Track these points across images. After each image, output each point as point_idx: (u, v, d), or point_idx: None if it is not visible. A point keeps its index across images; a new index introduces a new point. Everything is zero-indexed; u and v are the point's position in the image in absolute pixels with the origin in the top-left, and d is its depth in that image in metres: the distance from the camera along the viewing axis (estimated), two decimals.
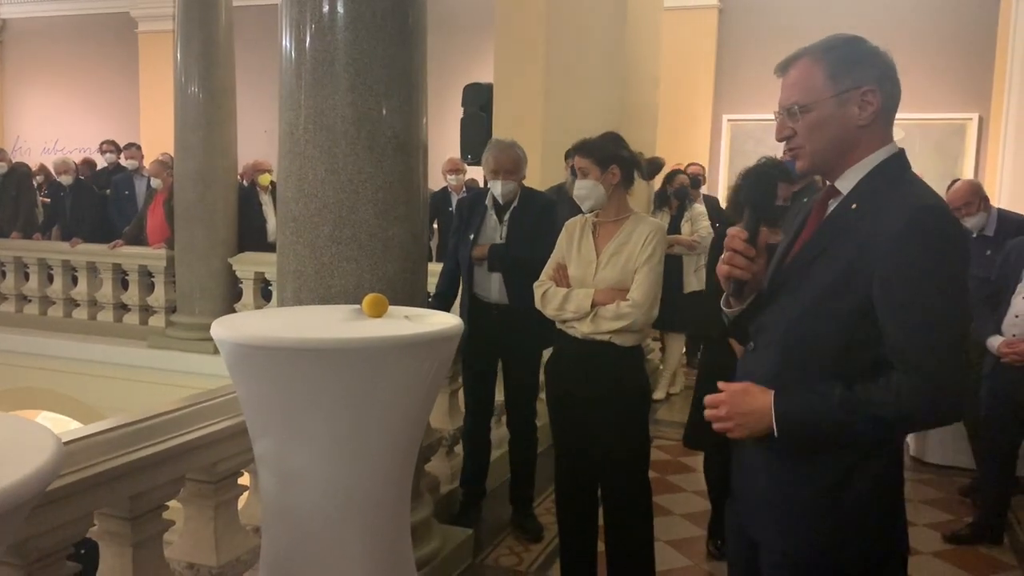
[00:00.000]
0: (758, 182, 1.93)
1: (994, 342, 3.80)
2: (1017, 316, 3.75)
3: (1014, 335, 3.74)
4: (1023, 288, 3.76)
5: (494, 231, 3.82)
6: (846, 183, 1.68)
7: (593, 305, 2.95)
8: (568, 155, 5.28)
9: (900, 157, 1.68)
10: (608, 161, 3.00)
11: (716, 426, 1.71)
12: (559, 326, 3.10)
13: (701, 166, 7.95)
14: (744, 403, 1.67)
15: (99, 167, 8.97)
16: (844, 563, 1.67)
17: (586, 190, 3.02)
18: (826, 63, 1.66)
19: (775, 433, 1.63)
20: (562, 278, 3.07)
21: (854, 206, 1.64)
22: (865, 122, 1.65)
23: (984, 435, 4.03)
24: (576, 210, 3.24)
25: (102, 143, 8.83)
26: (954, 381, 1.55)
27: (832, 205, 1.71)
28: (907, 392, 1.53)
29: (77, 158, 9.02)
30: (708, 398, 1.72)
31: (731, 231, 1.75)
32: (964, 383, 1.58)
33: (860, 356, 1.60)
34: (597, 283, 2.99)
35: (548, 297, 3.06)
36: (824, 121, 1.65)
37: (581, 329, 2.98)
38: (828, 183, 1.75)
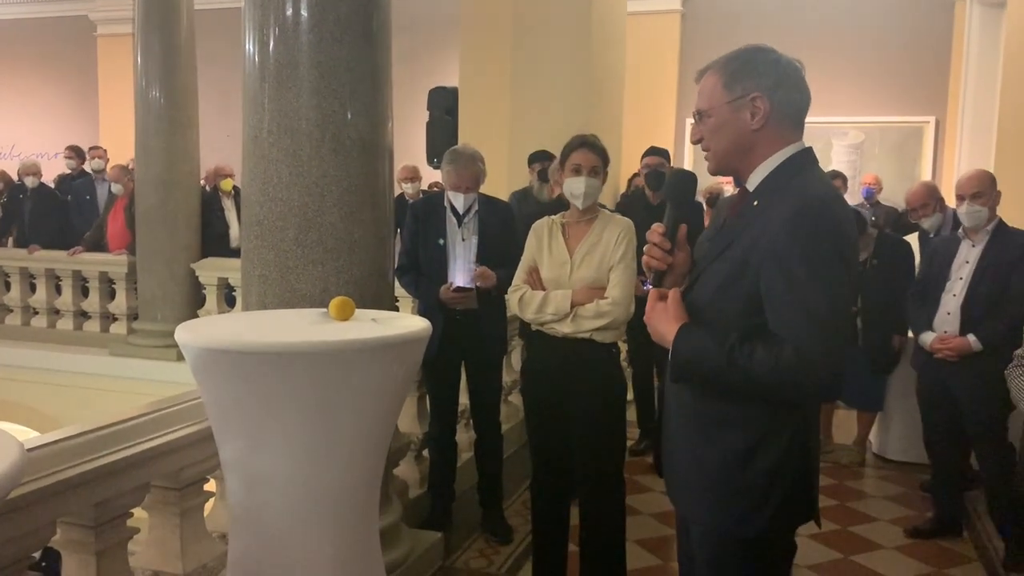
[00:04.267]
0: (680, 181, 1.96)
1: (926, 338, 3.90)
2: (949, 313, 3.85)
3: (946, 331, 3.84)
4: (952, 286, 3.86)
5: (455, 235, 3.83)
6: (752, 183, 1.83)
7: (572, 305, 2.96)
8: (533, 160, 5.30)
9: (803, 154, 1.81)
10: (607, 161, 3.06)
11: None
12: (535, 328, 3.11)
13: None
14: (657, 321, 1.81)
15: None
16: (756, 531, 1.79)
17: (594, 188, 3.03)
18: (723, 74, 1.81)
19: (671, 351, 1.76)
20: (536, 281, 3.08)
21: (756, 203, 1.79)
22: (757, 126, 1.78)
23: (925, 428, 4.13)
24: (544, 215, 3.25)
25: (66, 148, 8.68)
26: (826, 365, 1.65)
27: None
28: (784, 363, 1.64)
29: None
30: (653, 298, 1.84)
31: (654, 226, 1.88)
32: (838, 366, 1.67)
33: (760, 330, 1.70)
34: (573, 283, 3.00)
35: (525, 301, 3.06)
36: (721, 126, 1.81)
37: (561, 330, 3.00)
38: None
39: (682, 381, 1.81)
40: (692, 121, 1.93)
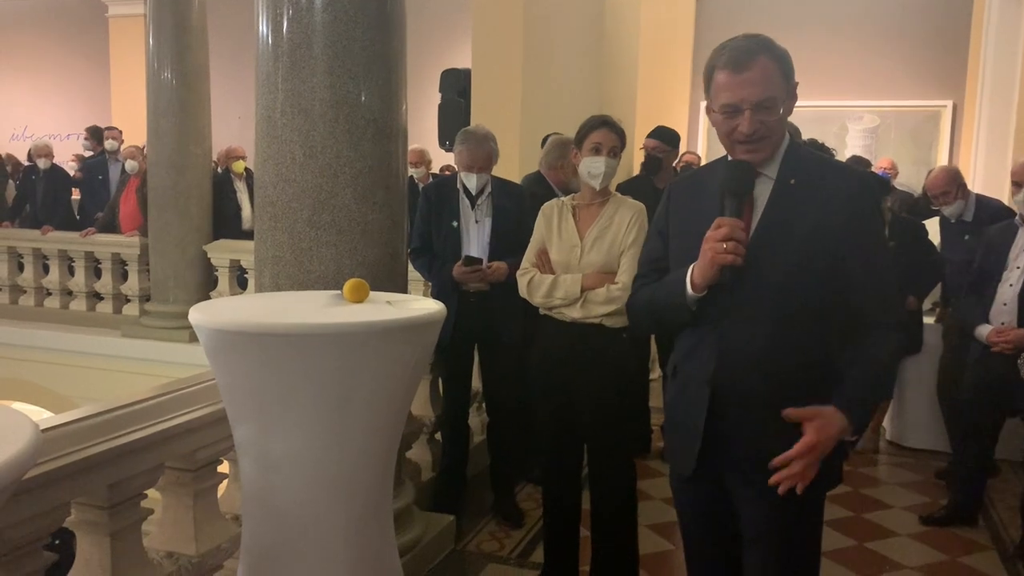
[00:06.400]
0: (737, 173, 1.90)
1: (983, 331, 3.77)
2: (1005, 304, 3.72)
3: (1003, 323, 3.72)
4: (1010, 275, 3.74)
5: (469, 217, 3.81)
6: (771, 168, 1.91)
7: (582, 290, 2.93)
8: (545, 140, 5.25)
9: (793, 140, 1.97)
10: (625, 143, 3.04)
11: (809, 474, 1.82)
12: (544, 312, 3.08)
13: (696, 155, 7.88)
14: (832, 436, 1.82)
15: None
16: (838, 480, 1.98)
17: (612, 168, 2.99)
18: (780, 62, 1.85)
19: (852, 428, 1.85)
20: (545, 264, 3.05)
21: (792, 181, 1.88)
22: (791, 113, 1.91)
23: (967, 420, 4.03)
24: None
25: (86, 130, 8.68)
26: (904, 320, 2.03)
27: (758, 187, 1.91)
28: (893, 347, 1.91)
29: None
30: (780, 461, 1.81)
31: (725, 220, 1.83)
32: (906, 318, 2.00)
33: (837, 304, 1.88)
34: (583, 267, 2.97)
35: (535, 285, 3.03)
36: (783, 115, 1.88)
37: (571, 315, 2.97)
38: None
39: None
40: (710, 109, 1.91)
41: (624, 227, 2.96)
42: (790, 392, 1.85)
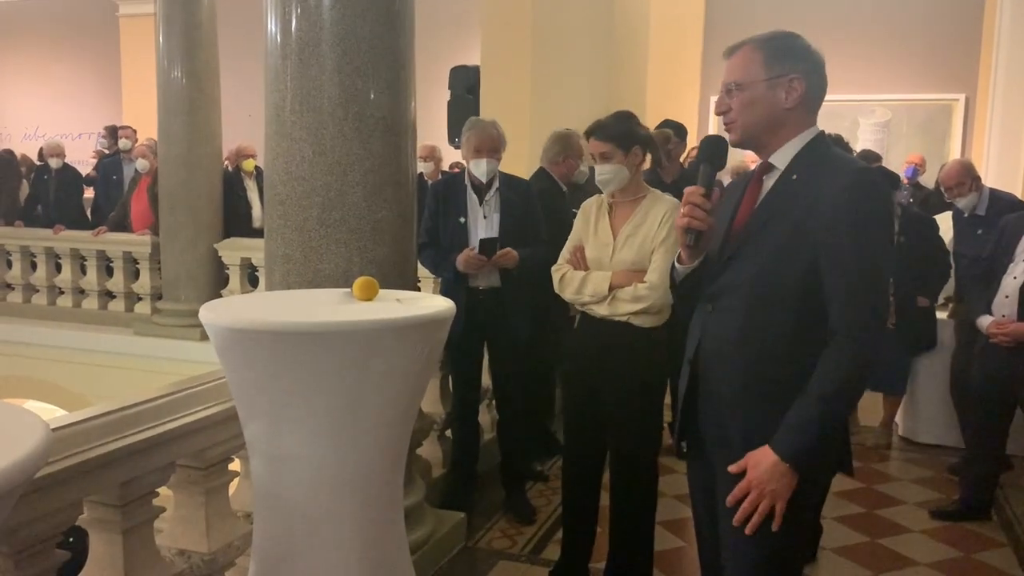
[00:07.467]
0: (713, 143, 2.06)
1: (983, 322, 3.78)
2: (1007, 296, 3.72)
3: (1003, 315, 3.71)
4: (1014, 268, 3.73)
5: (476, 213, 3.80)
6: (781, 158, 1.92)
7: (611, 288, 2.94)
8: None
9: (824, 137, 1.96)
10: (631, 143, 2.98)
11: (759, 514, 1.83)
12: (579, 308, 3.10)
13: None
14: (761, 474, 1.81)
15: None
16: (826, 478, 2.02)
17: (609, 174, 2.98)
18: (764, 51, 1.90)
19: (796, 471, 1.80)
20: (580, 260, 3.06)
21: (795, 176, 1.89)
22: (790, 105, 1.89)
23: (975, 414, 4.03)
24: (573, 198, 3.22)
25: (104, 128, 8.71)
26: (876, 344, 1.81)
27: (768, 179, 1.95)
28: (846, 363, 1.78)
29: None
30: (732, 500, 1.86)
31: (688, 189, 1.94)
32: (881, 343, 1.82)
33: (815, 305, 1.81)
34: (614, 265, 2.98)
35: (566, 281, 3.06)
36: (754, 100, 1.89)
37: (599, 312, 2.98)
38: (760, 160, 1.98)
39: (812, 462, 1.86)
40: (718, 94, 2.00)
41: (657, 224, 2.95)
42: (756, 381, 1.88)
